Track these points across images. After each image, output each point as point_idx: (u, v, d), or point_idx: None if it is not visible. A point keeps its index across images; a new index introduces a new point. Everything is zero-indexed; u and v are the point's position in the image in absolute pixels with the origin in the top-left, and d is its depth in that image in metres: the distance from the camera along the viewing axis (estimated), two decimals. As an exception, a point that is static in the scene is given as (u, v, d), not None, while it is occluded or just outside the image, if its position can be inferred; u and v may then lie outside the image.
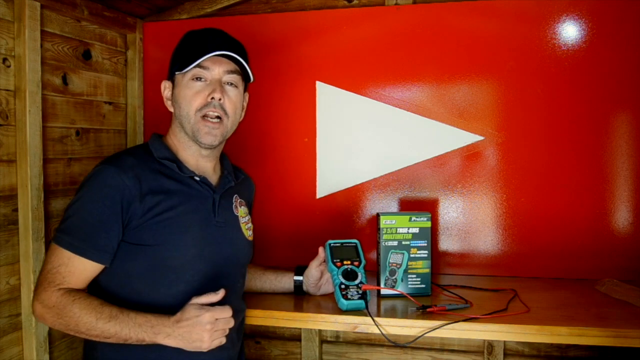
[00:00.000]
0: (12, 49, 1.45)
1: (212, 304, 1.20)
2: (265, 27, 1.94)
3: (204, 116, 1.31)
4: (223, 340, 1.20)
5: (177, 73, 1.33)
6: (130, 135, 1.96)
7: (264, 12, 1.98)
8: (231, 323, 1.20)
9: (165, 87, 1.39)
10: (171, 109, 1.38)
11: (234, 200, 1.42)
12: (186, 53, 1.31)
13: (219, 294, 1.21)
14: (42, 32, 1.53)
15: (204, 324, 1.16)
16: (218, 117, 1.32)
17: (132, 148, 1.42)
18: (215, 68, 1.30)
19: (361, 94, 1.88)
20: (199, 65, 1.29)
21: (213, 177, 1.40)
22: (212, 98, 1.30)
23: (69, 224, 1.23)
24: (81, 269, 1.21)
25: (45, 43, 1.56)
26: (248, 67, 1.34)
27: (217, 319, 1.17)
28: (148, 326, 1.16)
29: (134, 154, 1.32)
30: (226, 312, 1.19)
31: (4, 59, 1.44)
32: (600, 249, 1.74)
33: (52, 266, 1.21)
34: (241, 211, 1.43)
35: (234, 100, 1.34)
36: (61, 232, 1.22)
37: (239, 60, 1.32)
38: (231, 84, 1.34)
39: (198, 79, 1.31)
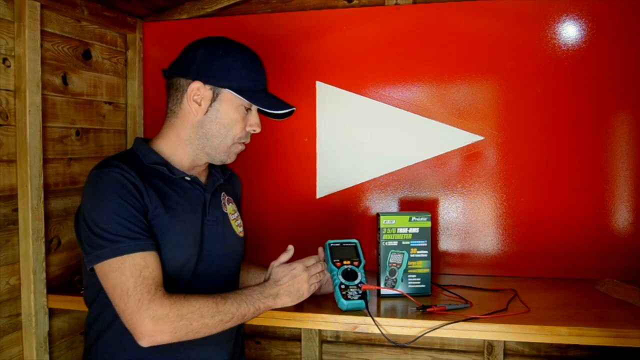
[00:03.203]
0: (12, 49, 1.45)
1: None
2: (265, 27, 1.94)
3: (239, 143, 1.33)
4: (317, 286, 1.36)
5: (229, 91, 1.27)
6: (130, 136, 1.96)
7: (264, 12, 1.98)
8: (319, 267, 1.36)
9: (197, 88, 1.26)
10: (198, 116, 1.28)
11: (222, 198, 1.42)
12: (250, 80, 1.30)
13: (291, 250, 1.38)
14: (42, 32, 1.53)
15: (301, 273, 1.30)
16: None
17: (118, 154, 1.35)
18: None
19: (361, 94, 1.88)
20: None
21: (202, 175, 1.40)
22: (254, 131, 1.33)
23: (117, 233, 1.15)
24: (158, 261, 1.17)
25: (45, 43, 1.56)
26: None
27: (307, 267, 1.32)
28: (257, 293, 1.25)
29: (122, 159, 1.28)
30: (312, 260, 1.36)
31: (4, 59, 1.44)
32: (600, 249, 1.74)
33: (135, 277, 1.12)
34: (229, 208, 1.43)
35: None
36: (115, 243, 1.14)
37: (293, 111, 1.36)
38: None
39: (247, 108, 1.31)
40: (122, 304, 1.12)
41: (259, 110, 1.35)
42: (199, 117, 1.28)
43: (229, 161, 1.35)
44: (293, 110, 1.34)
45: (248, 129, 1.32)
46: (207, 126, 1.29)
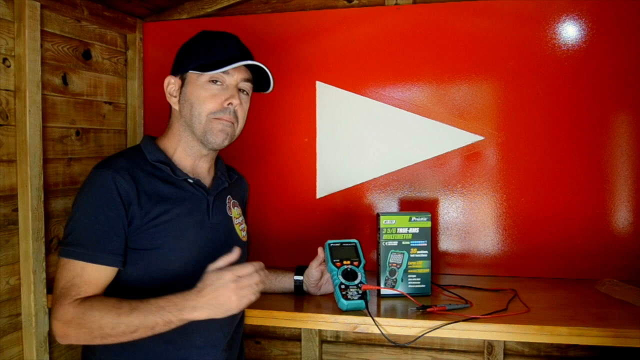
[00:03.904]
0: (12, 49, 1.45)
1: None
2: (265, 27, 1.94)
3: (216, 118, 1.30)
4: (253, 298, 1.16)
5: (192, 72, 1.30)
6: (130, 136, 1.96)
7: (264, 12, 1.98)
8: (255, 277, 1.16)
9: (171, 83, 1.34)
10: (175, 106, 1.34)
11: (227, 201, 1.41)
12: (209, 54, 1.29)
13: (234, 253, 1.18)
14: (42, 32, 1.53)
15: (227, 283, 1.12)
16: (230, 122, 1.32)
17: (125, 151, 1.39)
18: (234, 74, 1.30)
19: (361, 94, 1.88)
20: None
21: (207, 179, 1.39)
22: (230, 104, 1.29)
23: (75, 235, 1.20)
24: (97, 276, 1.19)
25: (45, 43, 1.56)
26: (272, 80, 1.35)
27: (239, 276, 1.14)
28: (171, 305, 1.13)
29: (127, 156, 1.30)
30: (247, 269, 1.16)
31: (4, 59, 1.44)
32: (600, 249, 1.74)
33: (66, 280, 1.18)
34: (234, 212, 1.43)
35: (244, 108, 1.34)
36: (68, 245, 1.20)
37: (254, 69, 1.33)
38: (244, 91, 1.34)
39: (215, 82, 1.29)
40: (53, 299, 1.20)
41: (255, 89, 1.37)
42: (176, 107, 1.34)
43: (218, 141, 1.30)
44: (264, 70, 1.32)
45: (225, 104, 1.29)
46: (183, 112, 1.32)
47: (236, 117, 1.32)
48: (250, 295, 1.15)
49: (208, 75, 1.28)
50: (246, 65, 1.31)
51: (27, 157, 1.47)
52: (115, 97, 1.91)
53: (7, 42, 1.44)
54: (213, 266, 1.17)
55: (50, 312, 1.21)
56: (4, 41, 1.43)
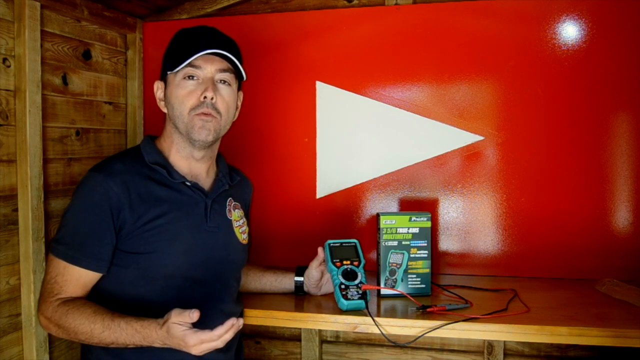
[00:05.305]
0: (12, 49, 1.45)
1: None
2: (265, 27, 1.94)
3: (197, 115, 1.29)
4: (212, 351, 1.14)
5: (169, 72, 1.31)
6: (130, 136, 1.96)
7: (264, 12, 1.98)
8: (217, 344, 1.12)
9: (158, 88, 1.36)
10: (164, 110, 1.35)
11: (227, 203, 1.40)
12: (177, 52, 1.30)
13: (194, 317, 1.10)
14: (42, 32, 1.53)
15: (188, 347, 1.11)
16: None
17: (124, 152, 1.40)
18: (207, 66, 1.28)
19: (361, 94, 1.88)
20: (190, 64, 1.27)
21: (206, 181, 1.38)
22: (205, 97, 1.27)
23: (63, 234, 1.24)
24: (77, 277, 1.22)
25: (45, 43, 1.56)
26: (240, 64, 1.32)
27: (202, 340, 1.10)
28: (139, 336, 1.15)
29: (124, 159, 1.31)
30: (212, 335, 1.10)
31: (4, 59, 1.44)
32: (600, 249, 1.74)
33: (50, 277, 1.22)
34: (235, 215, 1.42)
35: (226, 99, 1.31)
36: (56, 243, 1.24)
37: (231, 59, 1.30)
38: (224, 82, 1.31)
39: (190, 77, 1.28)
40: (40, 291, 1.26)
41: (241, 82, 1.38)
42: (165, 110, 1.35)
43: (201, 138, 1.29)
44: (230, 57, 1.30)
45: (201, 98, 1.28)
46: (169, 114, 1.34)
47: (216, 109, 1.29)
48: (211, 350, 1.13)
49: (181, 72, 1.28)
50: (220, 55, 1.29)
51: (27, 157, 1.47)
52: (115, 97, 1.91)
53: (7, 42, 1.44)
54: (176, 318, 1.10)
55: (38, 302, 1.26)
56: (4, 41, 1.43)
